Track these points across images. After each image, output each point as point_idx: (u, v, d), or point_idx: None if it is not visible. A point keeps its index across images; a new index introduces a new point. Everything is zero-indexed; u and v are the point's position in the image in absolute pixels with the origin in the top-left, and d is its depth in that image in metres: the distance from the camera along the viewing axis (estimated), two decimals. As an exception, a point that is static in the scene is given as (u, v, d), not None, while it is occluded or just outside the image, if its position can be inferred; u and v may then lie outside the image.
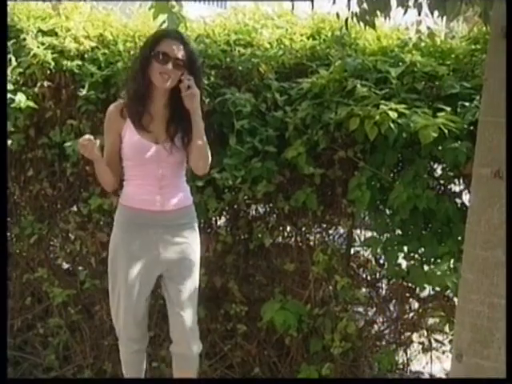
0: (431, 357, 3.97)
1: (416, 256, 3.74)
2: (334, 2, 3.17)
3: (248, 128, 3.74)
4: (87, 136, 3.02)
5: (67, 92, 3.94)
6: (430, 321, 3.94)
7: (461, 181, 3.73)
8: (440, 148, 3.51)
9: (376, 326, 4.01)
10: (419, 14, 2.90)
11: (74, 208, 4.11)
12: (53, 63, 3.88)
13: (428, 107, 3.57)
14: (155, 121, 3.10)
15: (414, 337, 4.00)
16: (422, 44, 3.88)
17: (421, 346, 3.98)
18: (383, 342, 4.01)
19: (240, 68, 3.79)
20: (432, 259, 3.70)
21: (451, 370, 2.00)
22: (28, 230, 4.07)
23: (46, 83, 3.90)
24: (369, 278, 4.03)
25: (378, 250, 3.81)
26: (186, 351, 3.16)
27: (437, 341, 3.95)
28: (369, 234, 3.98)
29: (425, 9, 2.88)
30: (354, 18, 3.09)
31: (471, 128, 3.37)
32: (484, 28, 3.56)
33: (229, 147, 3.74)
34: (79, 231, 4.01)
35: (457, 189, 3.80)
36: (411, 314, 3.97)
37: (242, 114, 3.72)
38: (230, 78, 3.86)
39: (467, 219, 1.98)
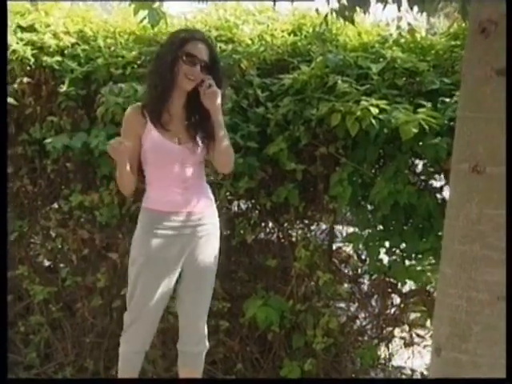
0: (413, 351, 3.99)
1: (397, 251, 3.76)
2: (314, -1, 3.19)
3: (229, 124, 3.72)
4: (119, 138, 2.95)
5: (47, 88, 3.91)
6: (412, 316, 3.96)
7: (441, 176, 3.75)
8: (421, 144, 3.53)
9: (358, 322, 4.02)
10: (399, 10, 2.91)
11: (55, 205, 4.09)
12: (32, 59, 3.85)
13: (409, 103, 3.59)
14: (175, 121, 3.05)
15: (396, 332, 4.02)
16: (403, 40, 3.90)
17: (402, 341, 4.00)
18: (365, 338, 4.02)
19: (221, 64, 3.77)
20: (413, 254, 3.72)
21: (430, 365, 2.01)
22: (8, 228, 4.04)
23: (25, 79, 3.87)
24: (351, 273, 4.04)
25: (360, 246, 3.82)
26: (193, 349, 3.16)
27: (418, 335, 3.97)
28: (351, 229, 3.99)
29: (405, 5, 2.89)
30: (334, 14, 3.08)
31: (451, 124, 3.38)
32: (464, 24, 3.58)
33: (211, 143, 3.72)
34: (60, 228, 3.99)
35: (438, 184, 3.81)
36: (393, 309, 3.99)
37: (222, 110, 3.70)
38: (212, 74, 3.84)
39: (446, 214, 1.98)
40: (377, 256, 3.77)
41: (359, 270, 4.01)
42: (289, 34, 4.00)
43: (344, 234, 4.03)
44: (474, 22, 1.90)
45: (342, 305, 4.00)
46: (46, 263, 4.19)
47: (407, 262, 3.75)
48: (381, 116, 3.46)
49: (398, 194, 3.56)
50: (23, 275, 4.05)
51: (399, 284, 3.90)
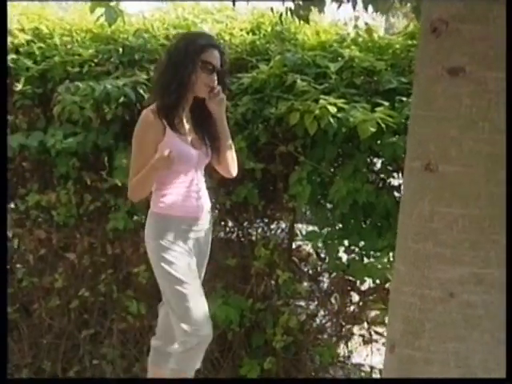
0: (372, 349, 4.02)
1: (356, 249, 3.79)
2: (271, -3, 3.20)
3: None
4: (168, 150, 2.89)
5: (2, 86, 3.85)
6: (371, 313, 3.98)
7: (399, 175, 3.78)
8: (379, 142, 3.55)
9: (317, 320, 4.03)
10: (354, 9, 2.93)
11: (11, 205, 4.03)
12: (-13, 57, 3.79)
13: (366, 102, 3.61)
14: (185, 126, 3.03)
15: (355, 329, 4.04)
16: (360, 39, 3.92)
17: (361, 339, 4.02)
18: (325, 336, 4.04)
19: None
20: (372, 252, 3.74)
21: (384, 361, 2.02)
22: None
23: (-21, 77, 3.80)
24: (310, 271, 4.05)
25: (319, 244, 3.84)
26: (168, 348, 3.11)
27: (377, 333, 3.99)
28: (310, 228, 4.01)
29: (361, 4, 2.91)
30: (289, 13, 3.08)
31: (408, 122, 3.41)
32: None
33: (169, 143, 3.71)
34: (16, 228, 3.94)
35: (396, 182, 3.84)
36: (352, 307, 4.01)
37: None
38: (170, 73, 3.82)
39: (399, 212, 2.00)
40: (336, 254, 3.80)
41: (319, 269, 4.02)
42: (247, 33, 4.00)
43: (304, 233, 4.04)
44: (425, 22, 1.92)
45: (302, 303, 4.01)
46: (3, 264, 4.13)
47: (366, 260, 3.78)
48: (339, 115, 3.47)
49: (357, 192, 3.59)
50: (-21, 276, 3.98)
51: (358, 282, 3.92)
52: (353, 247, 3.79)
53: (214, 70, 2.96)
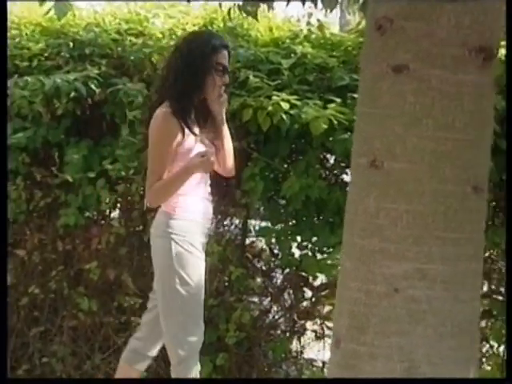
0: (324, 344, 4.04)
1: (309, 245, 3.80)
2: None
3: (141, 118, 3.70)
4: (205, 151, 2.87)
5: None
6: (324, 309, 4.01)
7: (352, 171, 3.80)
8: (331, 139, 3.57)
9: (270, 315, 4.04)
10: (303, 5, 2.94)
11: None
12: None
13: (319, 98, 3.63)
14: (196, 126, 2.99)
15: (308, 325, 4.06)
16: (313, 36, 3.93)
17: (314, 334, 4.04)
18: (278, 331, 4.05)
19: (132, 58, 3.74)
20: (324, 248, 3.77)
21: (330, 356, 2.03)
22: None
23: None
24: (263, 267, 4.06)
25: (272, 240, 3.85)
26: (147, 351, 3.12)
27: (329, 328, 4.02)
28: (263, 224, 4.01)
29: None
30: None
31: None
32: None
33: (121, 138, 3.69)
34: (-35, 225, 3.86)
35: (348, 179, 3.87)
36: (305, 303, 4.03)
37: (134, 105, 3.67)
38: (122, 68, 3.81)
39: (346, 208, 2.01)
40: (289, 250, 3.81)
41: (272, 264, 4.02)
42: (200, 29, 3.98)
43: (257, 229, 4.05)
44: (371, 19, 1.93)
45: (255, 299, 4.01)
46: None
47: (318, 256, 3.80)
48: (292, 111, 3.49)
49: (310, 188, 3.61)
50: None
51: (311, 278, 3.94)
52: (305, 243, 3.81)
53: (226, 71, 2.95)
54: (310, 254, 3.82)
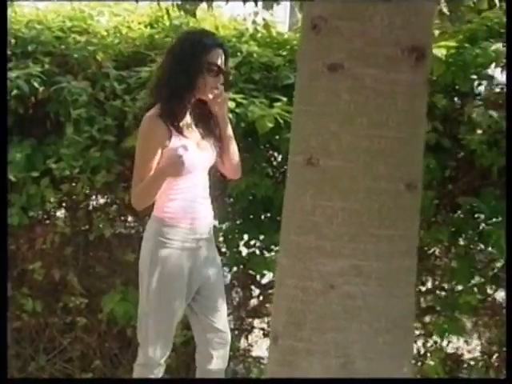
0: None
1: (256, 243, 3.82)
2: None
3: (85, 117, 3.68)
4: (176, 153, 2.78)
5: None
6: (271, 307, 4.03)
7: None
8: (277, 137, 3.59)
9: (218, 314, 4.04)
10: (244, 4, 2.95)
11: None
12: None
13: (265, 97, 3.64)
14: (189, 128, 2.94)
15: (256, 323, 4.08)
16: (259, 35, 3.95)
17: (262, 332, 4.06)
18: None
19: (76, 56, 3.71)
20: (272, 246, 3.79)
21: (268, 353, 2.05)
22: None
23: None
24: (211, 266, 4.05)
25: (220, 239, 3.85)
26: None
27: (277, 326, 4.04)
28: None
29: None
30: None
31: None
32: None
33: (66, 136, 3.66)
34: None
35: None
36: (253, 301, 4.05)
37: (78, 103, 3.65)
38: (66, 66, 3.78)
39: (283, 206, 2.02)
40: (236, 248, 3.82)
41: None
42: (146, 27, 3.97)
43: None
44: (306, 19, 1.95)
45: (203, 298, 4.01)
46: None
47: (266, 254, 3.83)
48: (238, 110, 3.50)
49: (256, 186, 3.63)
50: None
51: (258, 276, 3.95)
52: (253, 241, 3.83)
53: (220, 72, 2.90)
54: (257, 252, 3.84)
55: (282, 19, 4.74)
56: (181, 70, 2.85)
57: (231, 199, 3.81)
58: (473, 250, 3.71)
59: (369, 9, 1.84)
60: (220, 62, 2.91)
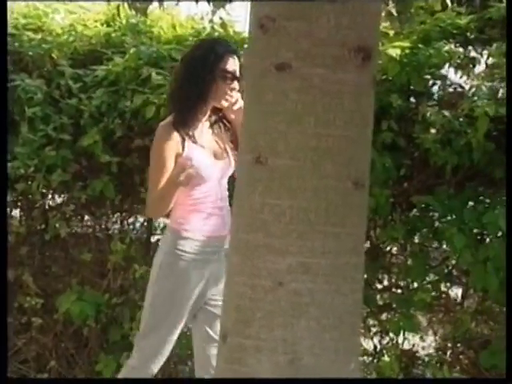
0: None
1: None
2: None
3: (41, 115, 3.67)
4: (184, 163, 2.76)
5: None
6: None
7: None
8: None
9: (176, 313, 4.03)
10: (197, 3, 2.95)
11: None
12: None
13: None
14: (205, 136, 2.92)
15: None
16: (216, 34, 3.95)
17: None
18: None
19: (30, 54, 3.68)
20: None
21: (218, 351, 2.05)
22: None
23: None
24: (169, 265, 4.05)
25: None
26: None
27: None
28: (168, 221, 4.00)
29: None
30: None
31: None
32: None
33: (20, 135, 3.64)
34: None
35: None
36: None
37: (33, 101, 3.63)
38: (20, 64, 3.75)
39: (233, 204, 2.03)
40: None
41: (177, 262, 4.03)
42: (102, 25, 3.95)
43: (161, 227, 4.04)
44: (255, 18, 1.96)
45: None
46: None
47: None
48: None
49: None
50: None
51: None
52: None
53: (235, 78, 2.88)
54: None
55: (242, 18, 4.74)
56: (193, 78, 2.86)
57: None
58: (427, 248, 3.75)
59: (316, 9, 1.86)
60: (234, 68, 2.90)
